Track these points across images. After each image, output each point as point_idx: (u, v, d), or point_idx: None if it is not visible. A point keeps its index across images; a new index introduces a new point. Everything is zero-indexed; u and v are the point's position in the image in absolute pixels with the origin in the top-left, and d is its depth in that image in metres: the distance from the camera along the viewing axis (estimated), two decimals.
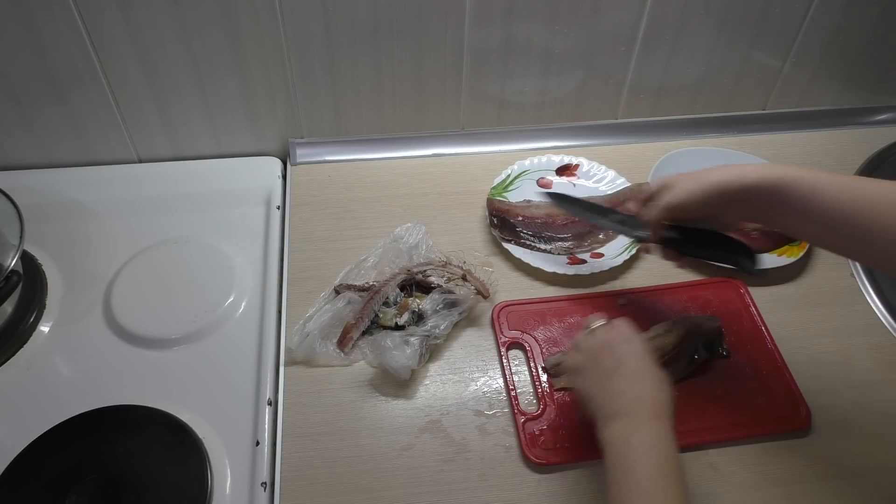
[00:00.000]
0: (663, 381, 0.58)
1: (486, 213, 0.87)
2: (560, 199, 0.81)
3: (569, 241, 0.86)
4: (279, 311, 0.79)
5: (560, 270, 0.82)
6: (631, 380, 0.58)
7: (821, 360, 0.76)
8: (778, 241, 0.86)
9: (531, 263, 0.82)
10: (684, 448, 0.68)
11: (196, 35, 0.81)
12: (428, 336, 0.74)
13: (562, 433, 0.69)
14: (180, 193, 0.91)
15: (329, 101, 0.92)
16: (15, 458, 0.65)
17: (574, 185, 0.93)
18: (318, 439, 0.69)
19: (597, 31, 0.89)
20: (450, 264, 0.80)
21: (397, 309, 0.76)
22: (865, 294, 0.83)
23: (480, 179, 0.92)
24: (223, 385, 0.73)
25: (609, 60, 0.93)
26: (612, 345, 0.61)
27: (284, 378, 0.73)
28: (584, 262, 0.84)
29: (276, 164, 0.95)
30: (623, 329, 0.62)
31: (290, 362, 0.74)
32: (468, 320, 0.79)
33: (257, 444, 0.68)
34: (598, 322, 0.64)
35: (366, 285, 0.78)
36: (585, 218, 0.80)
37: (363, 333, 0.75)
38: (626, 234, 0.76)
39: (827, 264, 0.86)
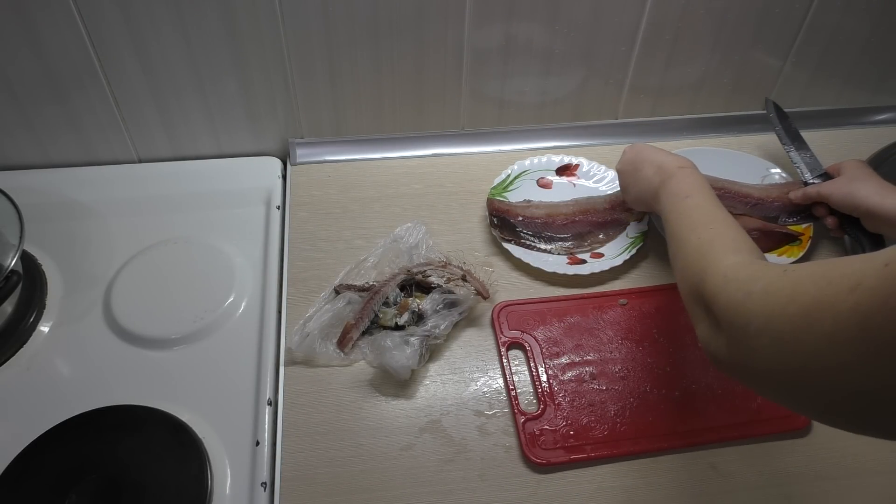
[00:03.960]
0: (672, 153, 0.75)
1: (486, 213, 0.87)
2: (778, 111, 0.92)
3: (569, 241, 0.86)
4: (279, 311, 0.79)
5: (560, 270, 0.82)
6: (654, 164, 0.74)
7: None
8: (778, 242, 0.86)
9: (531, 263, 0.82)
10: (684, 448, 0.69)
11: (196, 35, 0.81)
12: (428, 336, 0.74)
13: (562, 433, 0.69)
14: (180, 193, 0.91)
15: (329, 101, 0.92)
16: (15, 458, 0.65)
17: (574, 185, 0.93)
18: (318, 439, 0.69)
19: (597, 31, 0.89)
20: (450, 264, 0.80)
21: (397, 309, 0.76)
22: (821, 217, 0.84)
23: (480, 179, 0.92)
24: (223, 385, 0.73)
25: (609, 60, 0.93)
26: (632, 155, 0.79)
27: (284, 378, 0.73)
28: (584, 262, 0.84)
29: (276, 164, 0.95)
30: (636, 145, 0.80)
31: (290, 362, 0.74)
32: (468, 320, 0.79)
33: (257, 444, 0.68)
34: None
35: (366, 285, 0.78)
36: (782, 138, 0.91)
37: (363, 333, 0.75)
38: (801, 174, 0.87)
39: None
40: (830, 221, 0.82)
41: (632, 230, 0.87)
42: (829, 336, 0.38)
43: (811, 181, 0.86)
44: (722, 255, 0.55)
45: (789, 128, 0.91)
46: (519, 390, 0.72)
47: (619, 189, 0.91)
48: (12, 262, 0.71)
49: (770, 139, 1.01)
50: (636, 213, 0.88)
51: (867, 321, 0.36)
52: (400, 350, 0.71)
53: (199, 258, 0.83)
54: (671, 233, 0.65)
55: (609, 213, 0.88)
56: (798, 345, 0.41)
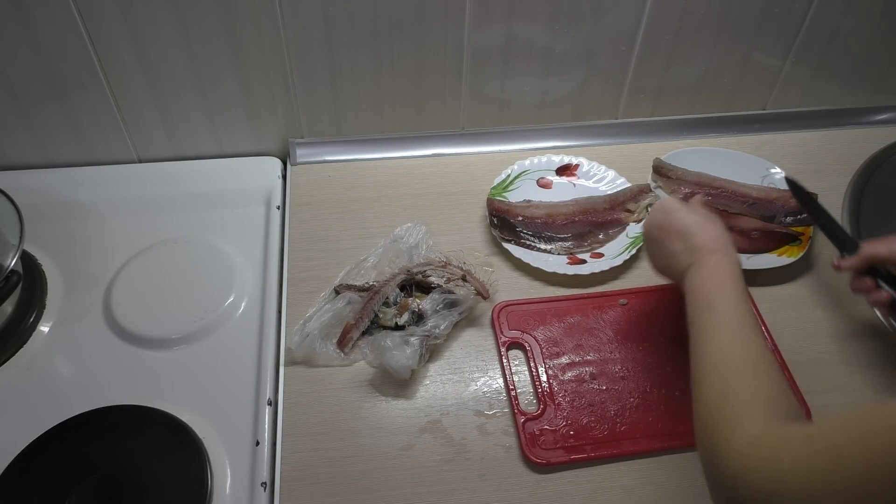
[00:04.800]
0: (709, 221, 0.66)
1: (486, 213, 0.87)
2: (795, 188, 0.80)
3: (569, 241, 0.86)
4: (279, 311, 0.79)
5: (560, 270, 0.82)
6: (683, 237, 0.65)
7: (821, 360, 0.76)
8: (778, 242, 0.86)
9: (531, 263, 0.82)
10: (684, 448, 0.69)
11: (196, 35, 0.81)
12: (428, 336, 0.74)
13: (562, 433, 0.69)
14: (180, 193, 0.91)
15: (329, 101, 0.92)
16: (15, 458, 0.65)
17: (574, 184, 0.93)
18: (318, 439, 0.69)
19: (597, 31, 0.89)
20: (450, 264, 0.80)
21: (397, 309, 0.76)
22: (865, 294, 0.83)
23: (480, 179, 0.92)
24: (223, 385, 0.73)
25: (609, 60, 0.93)
26: (660, 219, 0.68)
27: (284, 378, 0.73)
28: (584, 262, 0.84)
29: (276, 164, 0.95)
30: (666, 204, 0.69)
31: (290, 362, 0.74)
32: (468, 320, 0.78)
33: (257, 444, 0.68)
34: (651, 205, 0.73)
35: (366, 285, 0.78)
36: (806, 210, 0.79)
37: (363, 333, 0.75)
38: (835, 245, 0.73)
39: (827, 264, 0.86)
40: (885, 297, 0.67)
41: (632, 230, 0.87)
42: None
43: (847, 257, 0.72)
44: (742, 418, 0.47)
45: (813, 206, 0.79)
46: (519, 390, 0.72)
47: (619, 189, 0.91)
48: (12, 262, 0.71)
49: (770, 139, 1.01)
50: (636, 213, 0.88)
51: None
52: (400, 350, 0.71)
53: (199, 258, 0.83)
54: (693, 338, 0.57)
55: (609, 213, 0.88)
56: None
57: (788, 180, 0.81)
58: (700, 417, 0.51)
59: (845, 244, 0.72)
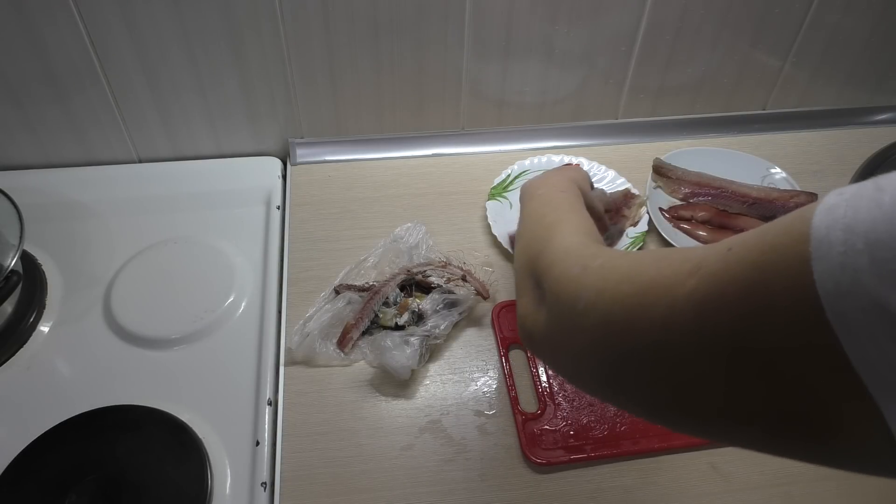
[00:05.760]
0: (571, 170, 0.69)
1: (486, 214, 0.87)
2: None
3: None
4: (279, 311, 0.79)
5: None
6: (546, 174, 0.69)
7: None
8: None
9: None
10: (684, 448, 0.69)
11: (196, 35, 0.81)
12: (428, 336, 0.74)
13: (562, 433, 0.69)
14: (180, 193, 0.91)
15: (329, 101, 0.92)
16: (15, 458, 0.65)
17: None
18: (318, 439, 0.69)
19: (597, 31, 0.89)
20: (450, 264, 0.80)
21: (397, 309, 0.76)
22: None
23: (480, 179, 0.92)
24: (223, 385, 0.73)
25: (609, 60, 0.93)
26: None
27: (284, 378, 0.73)
28: None
29: (276, 164, 0.95)
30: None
31: (290, 362, 0.74)
32: (468, 320, 0.78)
33: (257, 444, 0.68)
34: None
35: (366, 285, 0.78)
36: None
37: (363, 333, 0.75)
38: None
39: None
40: None
41: (632, 230, 0.87)
42: (662, 322, 0.34)
43: None
44: (571, 233, 0.51)
45: None
46: (519, 390, 0.72)
47: (618, 190, 0.91)
48: (12, 262, 0.71)
49: (770, 139, 1.01)
50: (631, 218, 0.88)
51: (703, 308, 0.32)
52: (400, 350, 0.71)
53: (199, 258, 0.83)
54: (527, 213, 0.61)
55: (608, 214, 0.88)
56: (628, 327, 0.36)
57: None
58: (529, 242, 0.54)
59: None
